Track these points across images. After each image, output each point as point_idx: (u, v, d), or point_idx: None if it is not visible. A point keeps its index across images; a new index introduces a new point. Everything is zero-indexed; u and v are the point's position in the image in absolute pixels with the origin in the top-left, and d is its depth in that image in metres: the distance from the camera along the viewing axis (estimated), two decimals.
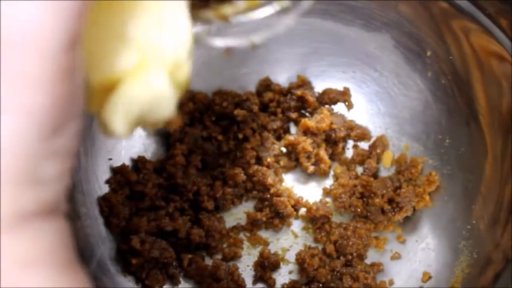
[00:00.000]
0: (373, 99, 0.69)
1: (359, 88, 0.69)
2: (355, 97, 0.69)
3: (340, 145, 0.68)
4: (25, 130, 0.26)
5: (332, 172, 0.68)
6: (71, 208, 0.53)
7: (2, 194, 0.26)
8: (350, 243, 0.63)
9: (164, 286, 0.60)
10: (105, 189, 0.61)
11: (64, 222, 0.29)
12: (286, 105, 0.68)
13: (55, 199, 0.28)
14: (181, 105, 0.65)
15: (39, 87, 0.26)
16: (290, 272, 0.63)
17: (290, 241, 0.65)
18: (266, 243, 0.65)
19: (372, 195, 0.64)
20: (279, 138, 0.68)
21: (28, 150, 0.26)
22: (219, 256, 0.63)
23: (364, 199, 0.65)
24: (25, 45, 0.26)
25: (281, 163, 0.68)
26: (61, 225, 0.29)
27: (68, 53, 0.27)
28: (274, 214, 0.64)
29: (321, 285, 0.61)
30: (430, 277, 0.62)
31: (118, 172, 0.62)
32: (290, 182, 0.68)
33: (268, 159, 0.67)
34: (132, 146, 0.65)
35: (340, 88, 0.68)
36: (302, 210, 0.66)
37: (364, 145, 0.69)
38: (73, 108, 0.28)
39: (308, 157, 0.67)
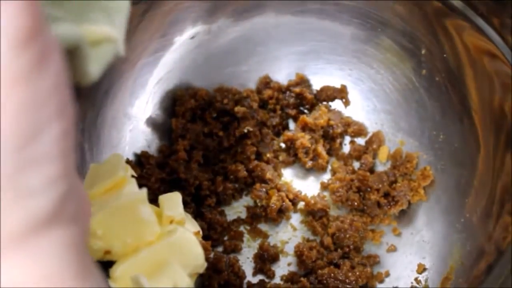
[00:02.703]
0: (369, 96, 0.69)
1: (356, 86, 0.69)
2: (352, 94, 0.69)
3: (338, 140, 0.68)
4: None
5: (329, 167, 0.68)
6: None
7: None
8: (347, 235, 0.63)
9: None
10: None
11: (69, 226, 0.27)
12: (285, 102, 0.69)
13: (50, 208, 0.25)
14: (183, 102, 0.66)
15: None
16: (289, 264, 0.63)
17: (289, 234, 0.65)
18: (265, 236, 0.65)
19: (369, 189, 0.64)
20: (278, 134, 0.69)
21: (4, 164, 0.24)
22: (220, 249, 0.63)
23: (361, 193, 0.65)
24: None
25: (280, 158, 0.68)
26: (65, 232, 0.26)
27: (24, 51, 0.24)
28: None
29: (319, 276, 0.61)
30: (425, 269, 0.62)
31: None
32: (289, 177, 0.68)
33: (268, 155, 0.67)
34: (136, 141, 0.65)
35: (337, 86, 0.69)
36: (301, 204, 0.66)
37: (360, 141, 0.69)
38: (48, 109, 0.25)
39: (307, 153, 0.67)
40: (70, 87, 0.27)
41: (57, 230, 0.26)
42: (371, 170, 0.67)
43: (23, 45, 0.23)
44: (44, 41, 0.24)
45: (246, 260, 0.64)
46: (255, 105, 0.67)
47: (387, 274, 0.63)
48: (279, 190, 0.65)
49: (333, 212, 0.66)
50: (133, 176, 0.52)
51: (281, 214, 0.65)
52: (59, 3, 0.31)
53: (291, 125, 0.70)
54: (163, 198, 0.53)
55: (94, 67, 0.32)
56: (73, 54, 0.30)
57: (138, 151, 0.65)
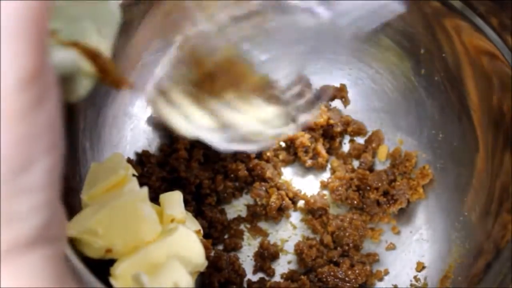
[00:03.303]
0: (369, 95, 0.69)
1: (355, 85, 0.69)
2: (351, 94, 0.69)
3: (337, 139, 0.69)
4: None
5: (329, 166, 0.68)
6: (77, 201, 0.53)
7: None
8: (347, 234, 0.63)
9: None
10: None
11: (50, 246, 0.29)
12: None
13: (34, 231, 0.28)
14: None
15: None
16: (289, 262, 0.64)
17: (289, 232, 0.65)
18: (265, 234, 0.65)
19: (368, 188, 0.64)
20: None
21: None
22: (220, 247, 0.64)
23: (360, 192, 0.65)
24: None
25: (280, 157, 0.68)
26: (47, 251, 0.29)
27: (26, 90, 0.25)
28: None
29: (318, 274, 0.61)
30: (424, 267, 0.62)
31: None
32: (289, 176, 0.68)
33: (268, 153, 0.67)
34: (137, 140, 0.65)
35: (337, 85, 0.69)
36: (301, 203, 0.66)
37: (360, 140, 0.69)
38: (41, 143, 0.27)
39: (306, 151, 0.67)
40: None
41: (40, 249, 0.28)
42: (371, 169, 0.67)
43: (26, 84, 0.25)
44: (45, 80, 0.26)
45: (246, 258, 0.64)
46: None
47: (386, 272, 0.63)
48: (279, 189, 0.65)
49: (332, 210, 0.66)
50: (134, 175, 0.52)
51: (281, 212, 0.65)
52: (56, 13, 0.32)
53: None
54: (164, 197, 0.54)
55: (83, 85, 0.34)
56: (65, 77, 0.32)
57: (139, 150, 0.65)
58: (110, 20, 0.36)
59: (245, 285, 0.62)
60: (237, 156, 0.66)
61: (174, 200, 0.53)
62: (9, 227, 0.27)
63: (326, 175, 0.68)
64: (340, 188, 0.66)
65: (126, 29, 0.58)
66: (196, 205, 0.64)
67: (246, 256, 0.64)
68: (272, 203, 0.64)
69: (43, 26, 0.26)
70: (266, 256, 0.63)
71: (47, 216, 0.28)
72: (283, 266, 0.64)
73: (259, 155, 0.67)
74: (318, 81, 0.69)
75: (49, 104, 0.27)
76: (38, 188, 0.27)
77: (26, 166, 0.26)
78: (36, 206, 0.27)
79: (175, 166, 0.63)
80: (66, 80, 0.33)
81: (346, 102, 0.69)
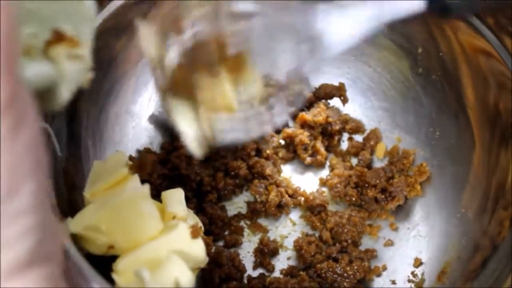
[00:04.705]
0: (367, 93, 0.69)
1: (354, 84, 0.69)
2: (350, 92, 0.69)
3: (336, 137, 0.69)
4: None
5: (328, 163, 0.69)
6: (79, 199, 0.54)
7: None
8: (346, 230, 0.63)
9: None
10: None
11: (46, 263, 0.29)
12: None
13: (26, 254, 0.28)
14: None
15: None
16: (288, 258, 0.64)
17: (289, 229, 0.66)
18: (265, 231, 0.65)
19: (366, 185, 0.65)
20: (278, 131, 0.69)
21: None
22: (221, 243, 0.64)
23: (359, 189, 0.65)
24: None
25: (280, 154, 0.68)
26: (43, 269, 0.29)
27: (3, 117, 0.25)
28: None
29: (317, 270, 0.61)
30: (421, 263, 0.62)
31: None
32: (288, 173, 0.68)
33: (268, 151, 0.67)
34: (139, 138, 0.65)
35: (336, 84, 0.69)
36: (300, 199, 0.66)
37: (358, 138, 0.70)
38: (23, 167, 0.26)
39: (306, 149, 0.67)
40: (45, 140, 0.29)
41: (35, 269, 0.28)
42: (369, 166, 0.68)
43: (2, 111, 0.25)
44: (21, 105, 0.26)
45: (246, 254, 0.64)
46: None
47: (384, 268, 0.63)
48: (278, 186, 0.65)
49: (331, 207, 0.66)
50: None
51: (281, 209, 0.66)
52: (29, 17, 0.32)
53: (291, 122, 0.70)
54: (166, 195, 0.54)
55: (64, 93, 0.34)
56: (43, 89, 0.32)
57: (141, 148, 0.65)
58: (85, 18, 0.35)
59: (245, 280, 0.62)
60: (237, 154, 0.66)
61: (176, 197, 0.54)
62: (1, 254, 0.27)
63: (325, 173, 0.69)
64: (338, 185, 0.66)
65: (126, 29, 0.59)
66: (197, 202, 0.64)
67: (246, 252, 0.64)
68: (272, 200, 0.64)
69: (14, 48, 0.25)
70: (266, 252, 0.63)
71: (40, 236, 0.28)
72: (282, 262, 0.64)
73: (259, 153, 0.68)
74: (317, 79, 0.70)
75: (28, 128, 0.26)
76: (27, 212, 0.27)
77: (11, 193, 0.26)
78: (26, 229, 0.27)
79: (176, 163, 0.63)
80: (45, 92, 0.33)
81: (344, 100, 0.69)
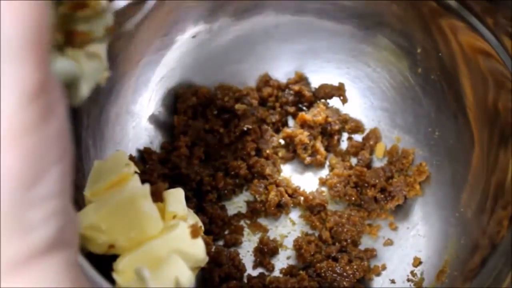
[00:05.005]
0: (366, 93, 0.69)
1: (353, 83, 0.70)
2: (349, 92, 0.69)
3: (335, 137, 0.69)
4: (1, 187, 0.26)
5: (327, 163, 0.69)
6: (80, 198, 0.54)
7: None
8: (345, 230, 0.63)
9: None
10: None
11: (66, 249, 0.30)
12: (284, 100, 0.69)
13: (50, 238, 0.28)
14: (185, 100, 0.67)
15: (5, 145, 0.25)
16: (288, 258, 0.64)
17: (288, 228, 0.66)
18: (265, 230, 0.65)
19: (366, 184, 0.65)
20: (277, 131, 0.69)
21: (10, 203, 0.26)
22: (221, 243, 0.64)
23: (358, 189, 0.66)
24: None
25: (280, 154, 0.68)
26: (63, 255, 0.29)
27: (32, 105, 0.26)
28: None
29: (317, 269, 0.61)
30: (420, 262, 0.62)
31: None
32: (288, 173, 0.69)
33: (267, 151, 0.67)
34: (139, 138, 0.65)
35: (335, 84, 0.69)
36: (300, 199, 0.66)
37: (358, 137, 0.70)
38: (51, 154, 0.27)
39: (305, 149, 0.67)
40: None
41: (56, 254, 0.29)
42: (368, 166, 0.68)
43: (32, 98, 0.26)
44: (51, 94, 0.27)
45: (246, 254, 0.64)
46: (255, 102, 0.68)
47: (384, 267, 0.64)
48: (278, 186, 0.66)
49: (331, 207, 0.66)
50: (136, 172, 0.53)
51: (280, 209, 0.66)
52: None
53: (290, 122, 0.71)
54: (166, 194, 0.54)
55: (84, 88, 0.35)
56: (66, 83, 0.33)
57: (141, 147, 0.65)
58: (100, 17, 0.37)
59: (245, 280, 0.62)
60: (237, 154, 0.66)
61: (176, 197, 0.54)
62: (25, 237, 0.27)
63: (324, 172, 0.69)
64: (338, 185, 0.66)
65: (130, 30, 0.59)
66: (197, 201, 0.64)
67: (246, 251, 0.64)
68: (272, 200, 0.64)
69: (45, 37, 0.26)
70: (266, 252, 0.63)
71: (62, 222, 0.29)
72: (282, 261, 0.64)
73: (259, 153, 0.68)
74: (316, 79, 0.70)
75: (57, 117, 0.27)
76: (51, 197, 0.28)
77: (38, 178, 0.27)
78: (49, 214, 0.28)
79: (177, 163, 0.64)
80: (67, 86, 0.34)
81: (344, 100, 0.69)
